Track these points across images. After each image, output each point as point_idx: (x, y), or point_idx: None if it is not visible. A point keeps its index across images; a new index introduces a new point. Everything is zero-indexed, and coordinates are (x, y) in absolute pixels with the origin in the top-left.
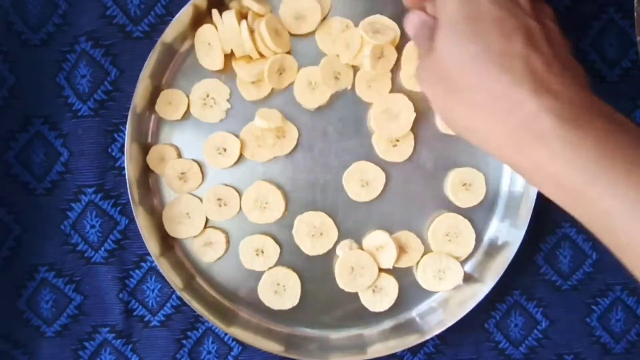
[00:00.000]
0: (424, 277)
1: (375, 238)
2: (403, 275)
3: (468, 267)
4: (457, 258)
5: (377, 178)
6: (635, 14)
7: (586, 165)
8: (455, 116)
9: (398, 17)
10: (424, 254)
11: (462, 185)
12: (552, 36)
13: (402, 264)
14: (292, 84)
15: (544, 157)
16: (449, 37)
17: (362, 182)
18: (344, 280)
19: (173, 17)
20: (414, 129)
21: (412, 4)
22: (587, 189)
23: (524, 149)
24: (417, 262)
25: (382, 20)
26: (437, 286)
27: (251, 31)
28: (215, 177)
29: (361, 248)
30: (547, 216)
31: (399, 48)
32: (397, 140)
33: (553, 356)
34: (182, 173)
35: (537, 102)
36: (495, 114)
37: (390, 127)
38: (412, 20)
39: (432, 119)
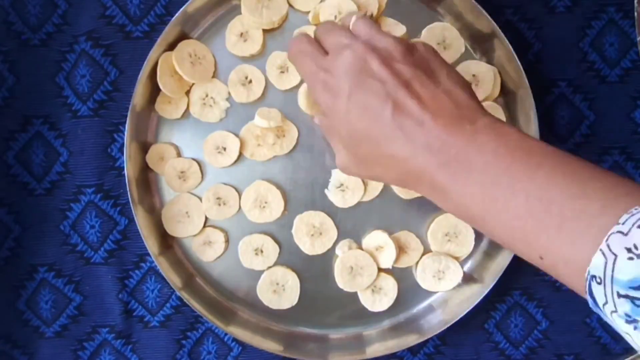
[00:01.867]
0: (423, 277)
1: (375, 238)
2: (402, 275)
3: (467, 267)
4: (456, 258)
5: None
6: (636, 13)
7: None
8: (371, 176)
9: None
10: (423, 254)
11: None
12: (418, 84)
13: (402, 264)
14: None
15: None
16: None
17: (361, 182)
18: (343, 280)
19: (172, 17)
20: None
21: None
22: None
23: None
24: (417, 262)
25: None
26: (436, 286)
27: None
28: (214, 176)
29: (360, 248)
30: None
31: None
32: None
33: (553, 356)
34: (182, 172)
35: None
36: (403, 172)
37: None
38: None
39: None
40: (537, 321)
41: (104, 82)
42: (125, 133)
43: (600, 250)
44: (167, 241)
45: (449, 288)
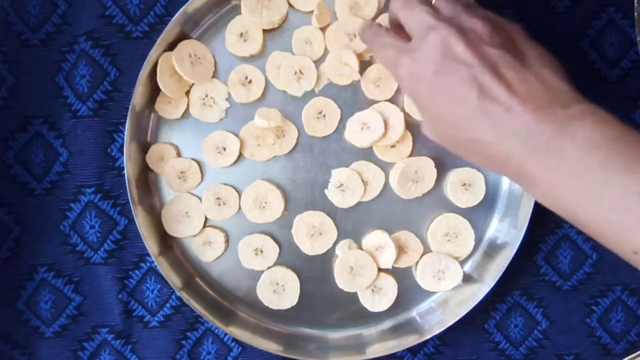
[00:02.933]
0: (423, 277)
1: (375, 238)
2: (402, 276)
3: (467, 267)
4: (456, 258)
5: (377, 178)
6: (636, 13)
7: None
8: (455, 151)
9: None
10: (423, 254)
11: (462, 186)
12: (505, 67)
13: (402, 264)
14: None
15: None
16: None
17: (361, 182)
18: (343, 280)
19: (172, 17)
20: (412, 129)
21: None
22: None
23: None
24: (417, 262)
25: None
26: (436, 286)
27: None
28: (214, 177)
29: (360, 248)
30: (547, 216)
31: None
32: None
33: (553, 357)
34: (182, 172)
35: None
36: (488, 157)
37: (388, 135)
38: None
39: None
40: (537, 321)
41: (104, 82)
42: (125, 133)
43: None
44: (167, 241)
45: (449, 288)
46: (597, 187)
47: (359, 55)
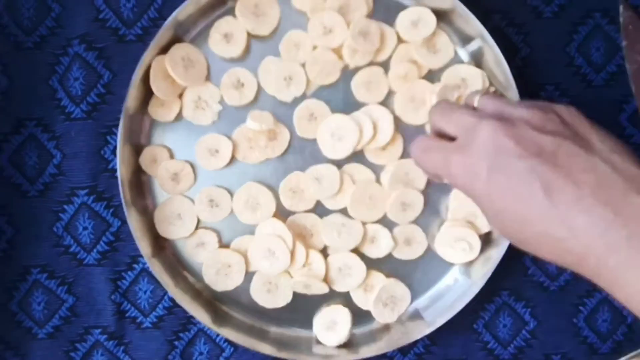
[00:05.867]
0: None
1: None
2: (395, 274)
3: (457, 268)
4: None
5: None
6: (621, 19)
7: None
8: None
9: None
10: (427, 250)
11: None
12: (567, 155)
13: (405, 256)
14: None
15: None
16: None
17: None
18: (333, 281)
19: (166, 20)
20: (402, 130)
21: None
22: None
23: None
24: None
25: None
26: (456, 258)
27: None
28: (207, 179)
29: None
30: None
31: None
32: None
33: (541, 356)
34: (175, 174)
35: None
36: (559, 255)
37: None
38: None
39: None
40: (525, 321)
41: (97, 85)
42: (119, 135)
43: None
44: (160, 243)
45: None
46: None
47: (336, 50)
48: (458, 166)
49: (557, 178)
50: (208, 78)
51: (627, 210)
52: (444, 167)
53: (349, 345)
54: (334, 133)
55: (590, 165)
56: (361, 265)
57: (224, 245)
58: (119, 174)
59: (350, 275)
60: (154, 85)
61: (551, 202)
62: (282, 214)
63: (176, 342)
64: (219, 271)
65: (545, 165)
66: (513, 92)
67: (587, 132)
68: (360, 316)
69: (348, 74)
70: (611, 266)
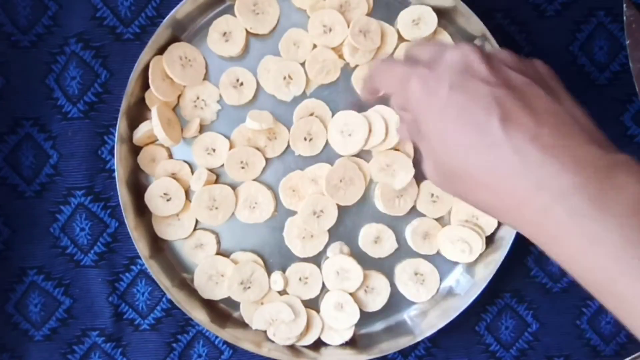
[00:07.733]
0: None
1: (371, 232)
2: (393, 277)
3: (459, 269)
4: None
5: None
6: (625, 17)
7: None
8: (460, 194)
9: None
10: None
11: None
12: (532, 96)
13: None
14: None
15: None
16: (433, 141)
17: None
18: (331, 283)
19: (163, 19)
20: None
21: (368, 97)
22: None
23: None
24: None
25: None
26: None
27: None
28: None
29: (350, 253)
30: None
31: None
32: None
33: (543, 358)
34: (173, 174)
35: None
36: (499, 194)
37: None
38: (402, 129)
39: None
40: (527, 323)
41: (95, 84)
42: (116, 135)
43: None
44: (158, 244)
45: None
46: None
47: (336, 49)
48: (419, 81)
49: (518, 110)
50: (206, 77)
51: (583, 158)
52: (403, 81)
53: (351, 347)
54: (343, 130)
55: (553, 109)
56: (358, 269)
57: (222, 248)
58: (116, 174)
59: (348, 279)
60: (154, 85)
61: (506, 132)
62: (281, 214)
63: (174, 344)
64: (211, 278)
65: (509, 96)
66: None
67: (556, 87)
68: (361, 318)
69: (348, 73)
70: (555, 213)
